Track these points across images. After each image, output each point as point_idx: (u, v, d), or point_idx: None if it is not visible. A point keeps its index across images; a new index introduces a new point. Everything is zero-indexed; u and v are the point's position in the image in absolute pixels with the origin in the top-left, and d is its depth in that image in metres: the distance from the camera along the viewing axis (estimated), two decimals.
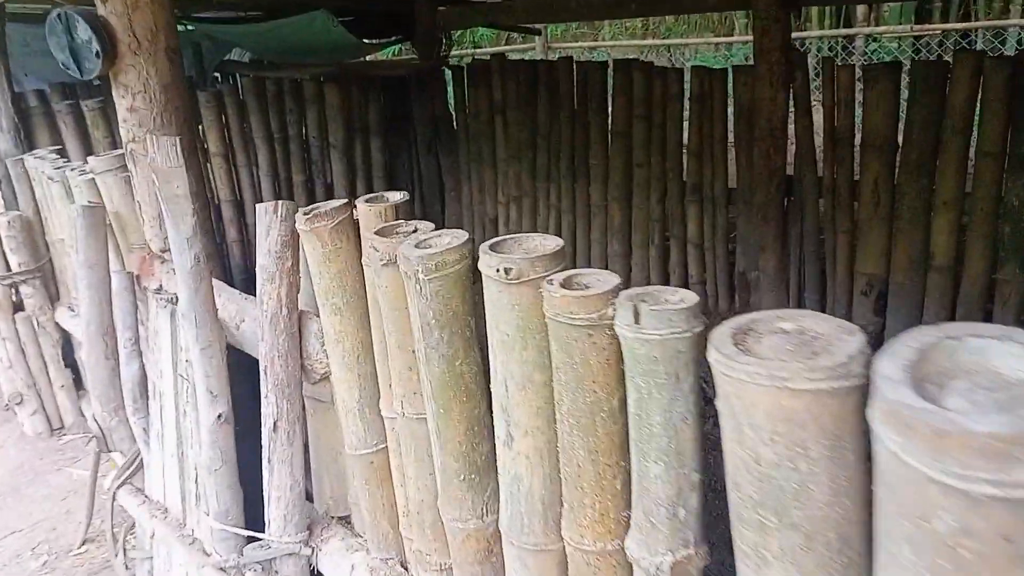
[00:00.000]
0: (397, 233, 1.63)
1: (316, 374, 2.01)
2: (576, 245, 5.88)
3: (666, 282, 5.44)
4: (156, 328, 2.63)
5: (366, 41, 6.13)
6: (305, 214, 1.77)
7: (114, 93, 2.65)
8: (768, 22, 4.23)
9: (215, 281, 2.35)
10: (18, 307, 4.10)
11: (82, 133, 4.77)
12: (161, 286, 2.63)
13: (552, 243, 1.35)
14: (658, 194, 5.28)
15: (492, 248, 1.36)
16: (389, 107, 6.25)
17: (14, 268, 3.95)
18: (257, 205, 1.94)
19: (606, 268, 5.46)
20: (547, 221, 6.03)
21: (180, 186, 2.06)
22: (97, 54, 2.53)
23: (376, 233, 1.63)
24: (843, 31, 11.16)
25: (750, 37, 4.57)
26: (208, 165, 5.37)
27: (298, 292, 2.01)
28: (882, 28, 10.95)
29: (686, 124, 5.10)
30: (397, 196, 1.77)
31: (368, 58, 8.14)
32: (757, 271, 4.77)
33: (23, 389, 4.17)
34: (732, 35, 12.55)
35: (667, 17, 13.24)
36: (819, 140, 4.43)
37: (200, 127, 5.26)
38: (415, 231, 1.61)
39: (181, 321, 2.33)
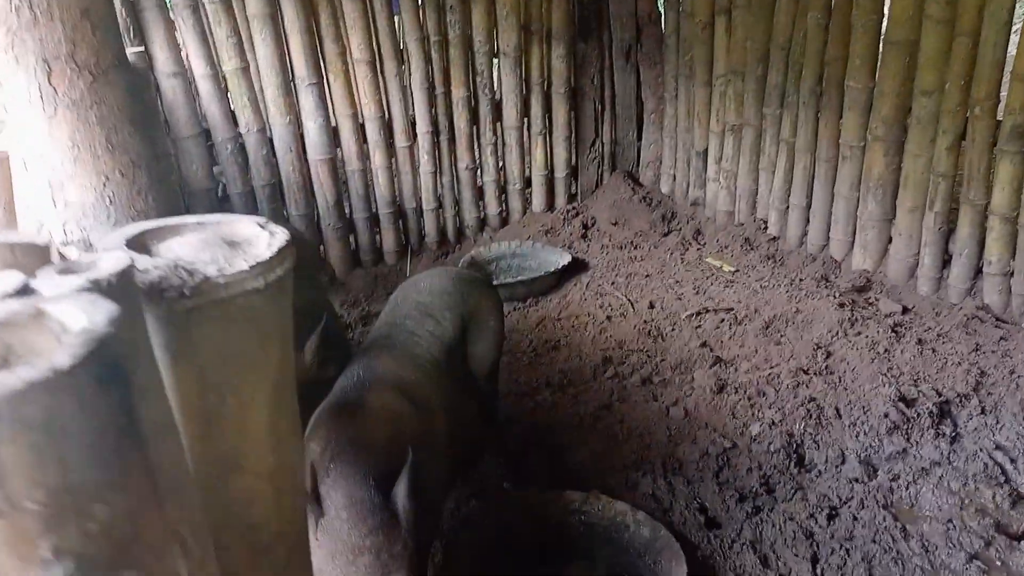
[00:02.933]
0: None
1: None
2: (811, 197, 4.32)
3: (946, 265, 3.79)
4: None
5: None
6: None
7: None
8: None
9: None
10: None
11: (200, 33, 3.94)
12: None
13: None
14: (951, 137, 3.58)
15: None
16: (577, 4, 4.89)
17: None
18: None
19: (854, 237, 3.89)
20: (774, 161, 4.50)
21: None
22: None
23: None
24: None
25: None
26: (352, 74, 4.39)
27: None
28: None
29: (1014, 36, 3.33)
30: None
31: None
32: None
33: None
34: None
35: None
36: None
37: (341, 25, 4.27)
38: None
39: None
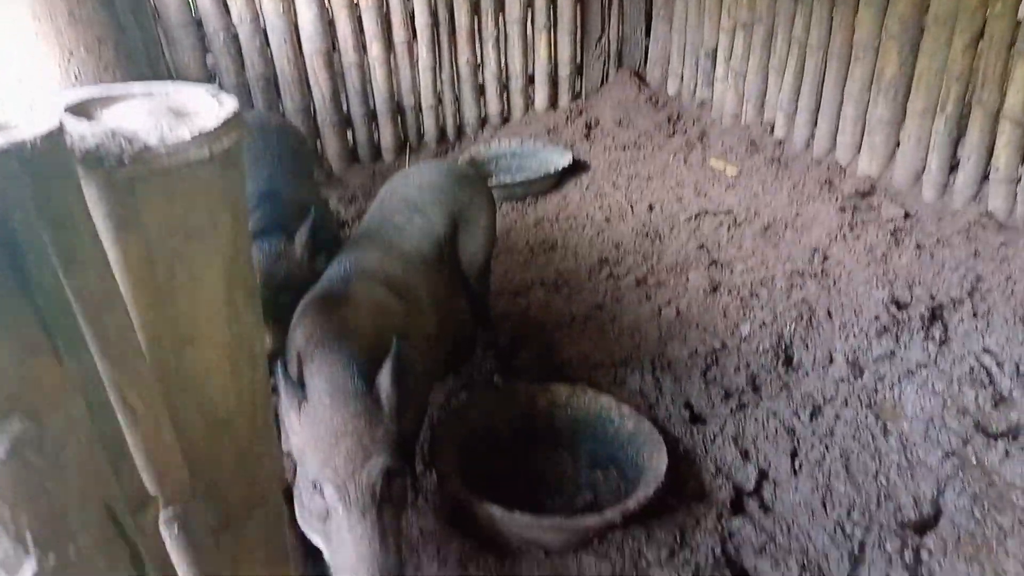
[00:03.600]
0: None
1: None
2: (821, 97, 4.20)
3: (953, 171, 3.71)
4: None
5: None
6: None
7: None
8: None
9: None
10: None
11: None
12: None
13: None
14: (968, 37, 3.44)
15: None
16: None
17: None
18: None
19: (861, 141, 3.80)
20: (784, 60, 4.35)
21: None
22: None
23: None
24: None
25: None
26: None
27: None
28: None
29: None
30: None
31: None
32: None
33: None
34: None
35: None
36: None
37: None
38: None
39: None
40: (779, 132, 4.52)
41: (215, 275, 0.92)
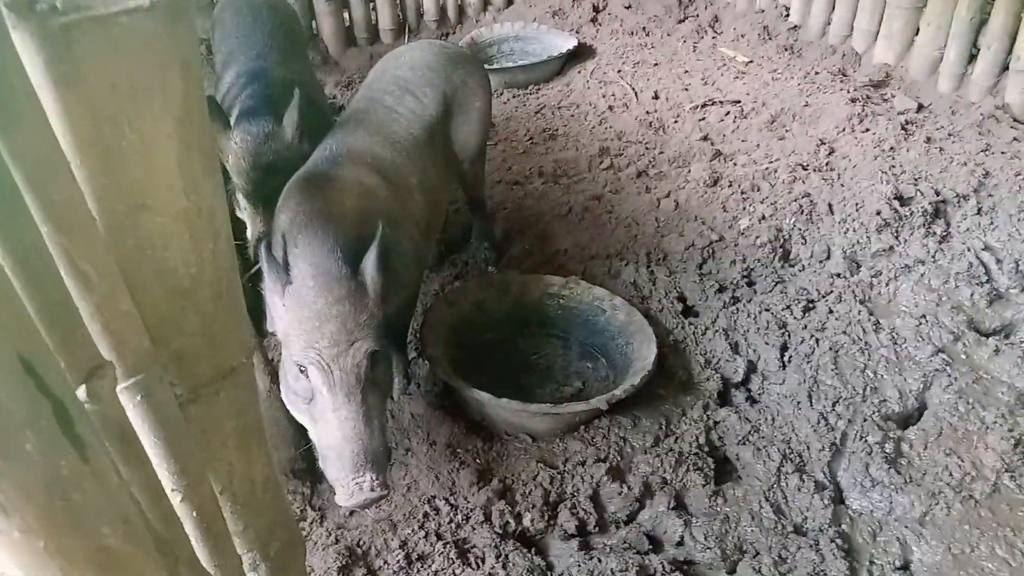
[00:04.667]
0: None
1: None
2: None
3: (971, 61, 3.54)
4: None
5: None
6: None
7: None
8: None
9: None
10: None
11: None
12: None
13: None
14: None
15: None
16: None
17: None
18: None
19: (879, 28, 3.62)
20: None
21: None
22: None
23: None
24: None
25: None
26: None
27: None
28: None
29: None
30: None
31: None
32: None
33: None
34: None
35: None
36: None
37: None
38: None
39: None
40: (794, 17, 4.31)
41: (167, 137, 0.87)
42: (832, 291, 2.69)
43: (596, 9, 4.79)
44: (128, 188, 0.87)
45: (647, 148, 3.59)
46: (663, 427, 2.31)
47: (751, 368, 2.48)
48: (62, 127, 0.81)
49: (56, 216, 0.79)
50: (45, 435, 0.55)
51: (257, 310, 1.95)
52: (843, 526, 2.04)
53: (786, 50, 4.17)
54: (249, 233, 2.31)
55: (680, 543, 2.03)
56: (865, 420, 2.25)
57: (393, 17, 4.51)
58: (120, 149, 0.85)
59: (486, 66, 3.58)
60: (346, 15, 4.44)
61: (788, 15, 4.35)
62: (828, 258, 2.81)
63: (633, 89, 4.07)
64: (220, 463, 1.13)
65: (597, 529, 2.06)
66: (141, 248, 0.91)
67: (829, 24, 4.12)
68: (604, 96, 4.05)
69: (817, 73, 3.89)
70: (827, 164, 3.23)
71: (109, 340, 0.88)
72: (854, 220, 2.88)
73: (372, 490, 1.68)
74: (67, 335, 0.79)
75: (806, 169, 3.21)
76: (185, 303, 0.98)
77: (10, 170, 0.72)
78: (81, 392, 0.81)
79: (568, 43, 4.32)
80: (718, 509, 2.08)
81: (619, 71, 4.25)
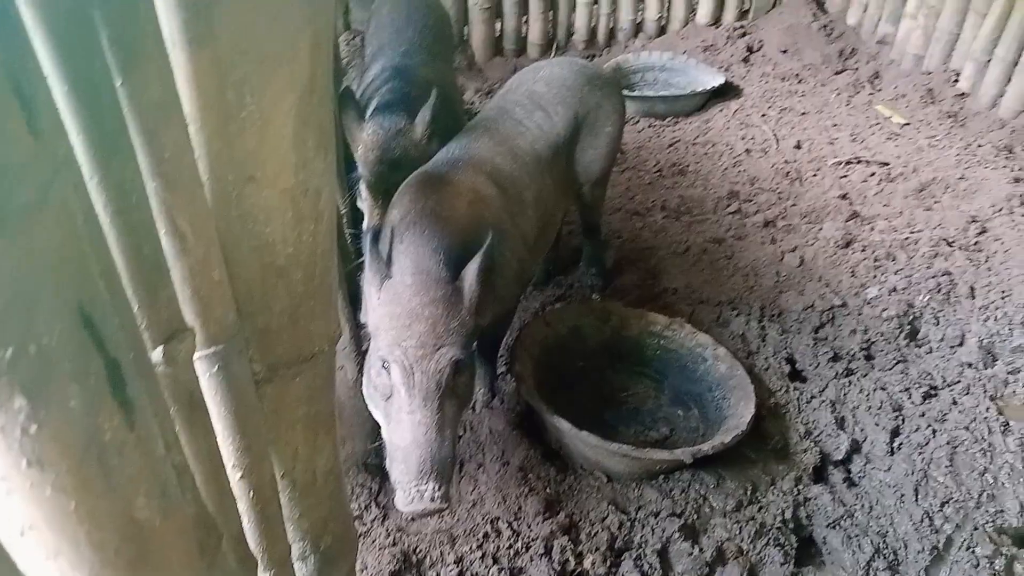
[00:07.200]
0: None
1: None
2: (1022, 52, 3.68)
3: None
4: None
5: None
6: None
7: None
8: None
9: None
10: None
11: None
12: None
13: None
14: None
15: None
16: None
17: None
18: None
19: None
20: (988, 0, 3.82)
21: None
22: None
23: None
24: None
25: None
26: None
27: None
28: None
29: None
30: None
31: None
32: None
33: None
34: None
35: None
36: None
37: None
38: None
39: None
40: (964, 83, 4.03)
41: (287, 110, 0.87)
42: (960, 381, 2.46)
43: (750, 49, 4.64)
44: (241, 158, 0.87)
45: (779, 198, 3.43)
46: (748, 493, 2.17)
47: (855, 447, 2.30)
48: (188, 88, 0.81)
49: (165, 172, 0.79)
50: (92, 393, 0.54)
51: (358, 299, 1.96)
52: None
53: (949, 117, 3.89)
54: (365, 224, 2.34)
55: None
56: (976, 528, 2.04)
57: (543, 32, 4.52)
58: (239, 118, 0.85)
59: (626, 92, 3.53)
60: (498, 25, 4.49)
61: (957, 80, 4.07)
62: (961, 344, 2.58)
63: (775, 135, 3.91)
64: (286, 447, 1.12)
65: None
66: (243, 220, 0.90)
67: (1002, 96, 3.82)
68: (743, 138, 3.91)
69: (980, 146, 3.61)
70: (975, 244, 2.98)
71: (196, 306, 0.87)
72: (997, 308, 2.63)
73: (432, 500, 1.65)
74: (152, 294, 0.79)
75: (951, 245, 2.97)
76: (277, 281, 0.97)
77: (123, 111, 0.73)
78: (158, 353, 0.80)
79: (715, 80, 4.20)
80: None
81: (763, 115, 4.10)
